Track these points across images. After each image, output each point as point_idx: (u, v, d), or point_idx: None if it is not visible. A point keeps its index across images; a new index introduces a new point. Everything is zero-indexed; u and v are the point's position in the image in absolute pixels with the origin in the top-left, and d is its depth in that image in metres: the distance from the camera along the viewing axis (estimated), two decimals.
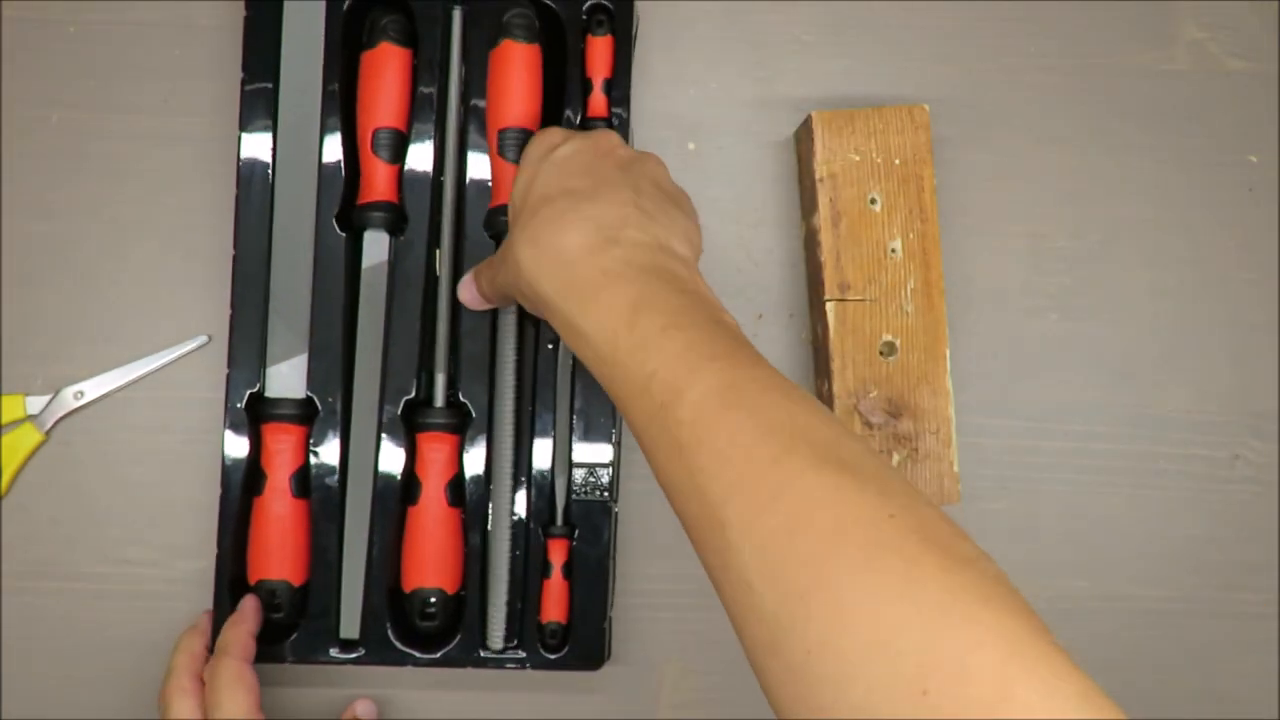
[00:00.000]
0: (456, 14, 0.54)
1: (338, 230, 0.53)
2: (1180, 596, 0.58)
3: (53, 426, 0.56)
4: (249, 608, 0.51)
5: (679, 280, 0.42)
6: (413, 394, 0.54)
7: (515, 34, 0.53)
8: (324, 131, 0.54)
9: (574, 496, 0.54)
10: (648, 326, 0.40)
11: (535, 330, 0.54)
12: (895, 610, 0.31)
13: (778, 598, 0.33)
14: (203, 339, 0.56)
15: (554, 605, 0.54)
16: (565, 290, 0.42)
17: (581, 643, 0.53)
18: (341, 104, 0.54)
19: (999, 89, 0.59)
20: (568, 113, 0.54)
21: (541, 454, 0.54)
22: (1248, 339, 0.59)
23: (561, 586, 0.54)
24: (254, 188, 0.53)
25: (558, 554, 0.54)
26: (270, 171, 0.53)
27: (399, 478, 0.53)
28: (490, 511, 0.54)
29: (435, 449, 0.53)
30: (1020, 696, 0.29)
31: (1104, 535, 0.58)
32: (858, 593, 0.32)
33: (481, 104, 0.54)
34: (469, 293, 0.51)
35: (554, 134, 0.48)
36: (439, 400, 0.54)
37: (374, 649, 0.53)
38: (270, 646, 0.52)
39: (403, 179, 0.54)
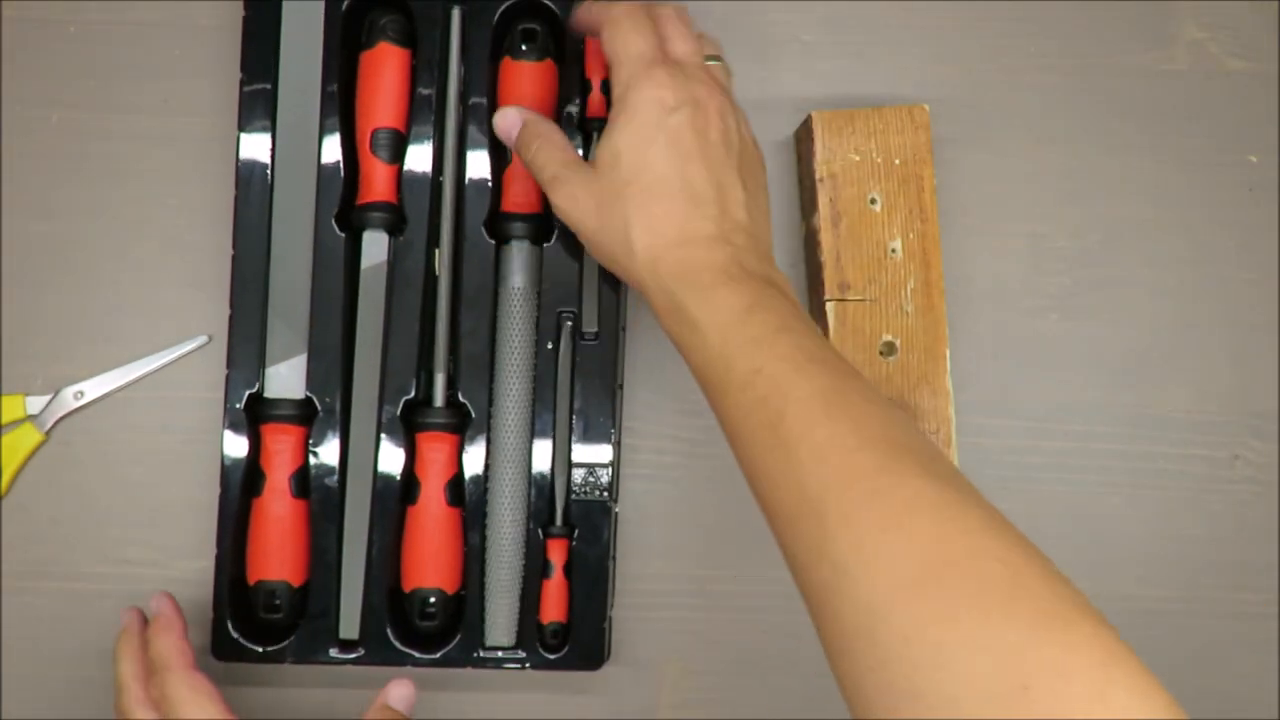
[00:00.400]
0: (456, 14, 0.54)
1: (337, 230, 0.53)
2: (1180, 596, 0.58)
3: (53, 426, 0.56)
4: (167, 611, 0.49)
5: (783, 288, 0.44)
6: (412, 394, 0.54)
7: (526, 54, 0.54)
8: (323, 132, 0.54)
9: (574, 496, 0.54)
10: (760, 326, 0.41)
11: (535, 330, 0.54)
12: (1000, 609, 0.33)
13: (875, 585, 0.34)
14: (203, 339, 0.56)
15: (554, 605, 0.54)
16: (679, 279, 0.43)
17: (581, 643, 0.53)
18: (340, 104, 0.54)
19: (999, 89, 0.59)
20: (569, 110, 0.54)
21: (541, 454, 0.54)
22: (1248, 339, 0.59)
23: (561, 586, 0.54)
24: (253, 188, 0.53)
25: (558, 554, 0.54)
26: (269, 172, 0.53)
27: (398, 478, 0.53)
28: (489, 511, 0.54)
29: (435, 449, 0.53)
30: (1118, 699, 0.32)
31: (1104, 535, 0.58)
32: (963, 588, 0.33)
33: (482, 102, 0.54)
34: (505, 125, 0.50)
35: (664, 84, 0.44)
36: (439, 400, 0.54)
37: (374, 649, 0.53)
38: (270, 647, 0.52)
39: (402, 179, 0.54)
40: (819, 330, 0.43)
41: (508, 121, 0.50)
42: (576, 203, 0.46)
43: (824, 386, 0.39)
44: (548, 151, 0.48)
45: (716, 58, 0.49)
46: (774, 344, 0.41)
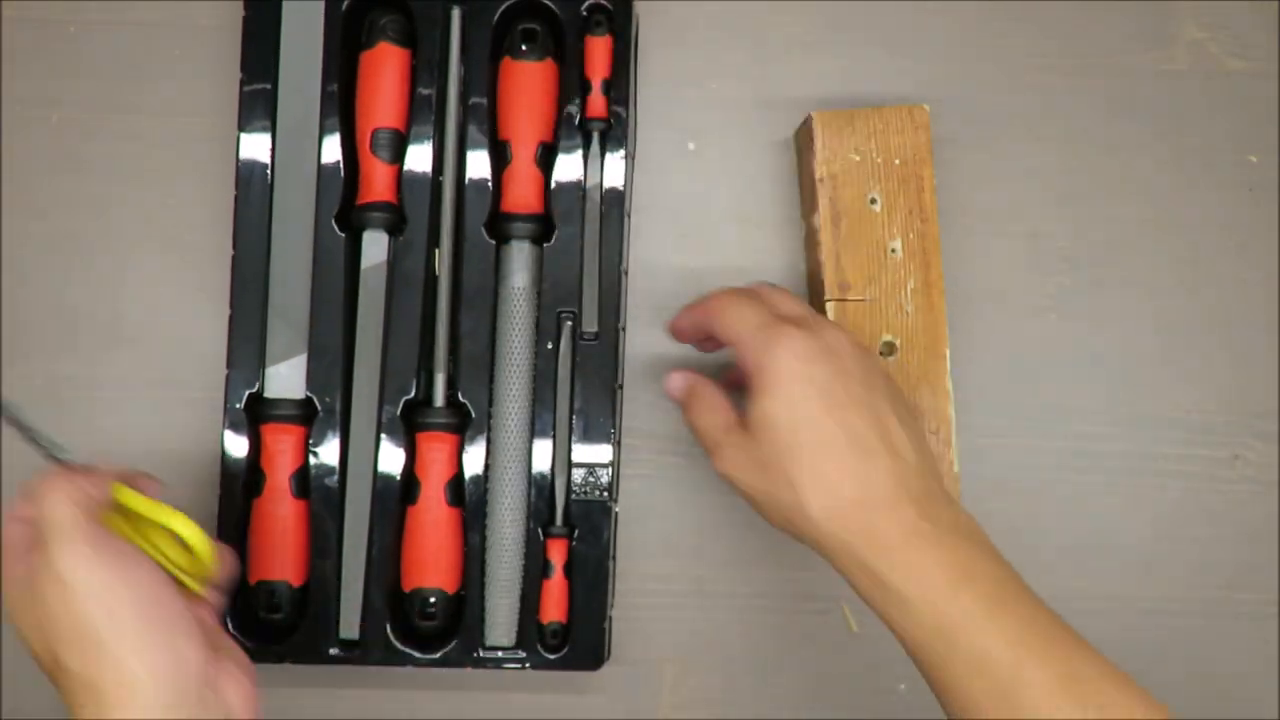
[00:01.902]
0: (456, 14, 0.54)
1: (337, 230, 0.53)
2: (1180, 596, 0.58)
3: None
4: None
5: (978, 538, 0.42)
6: (412, 394, 0.54)
7: (526, 54, 0.54)
8: (323, 132, 0.54)
9: (574, 496, 0.54)
10: (972, 598, 0.40)
11: (535, 330, 0.54)
12: None
13: None
14: None
15: (554, 605, 0.54)
16: (869, 544, 0.41)
17: (581, 643, 0.53)
18: (340, 104, 0.54)
19: (999, 89, 0.59)
20: (569, 109, 0.54)
21: (541, 454, 0.54)
22: (1248, 339, 0.59)
23: (561, 586, 0.54)
24: (253, 188, 0.53)
25: (558, 554, 0.54)
26: (269, 172, 0.53)
27: (399, 478, 0.53)
28: (489, 511, 0.54)
29: (435, 449, 0.54)
30: None
31: (1104, 535, 0.58)
32: None
33: (482, 103, 0.54)
34: (673, 389, 0.50)
35: (796, 340, 0.44)
36: (439, 400, 0.54)
37: (374, 649, 0.53)
38: (270, 646, 0.52)
39: (402, 179, 0.54)
40: (1027, 586, 0.41)
41: (675, 386, 0.50)
42: (741, 469, 0.45)
43: (1062, 673, 0.38)
44: (709, 417, 0.47)
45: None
46: (996, 620, 0.39)
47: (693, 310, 0.49)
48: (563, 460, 0.54)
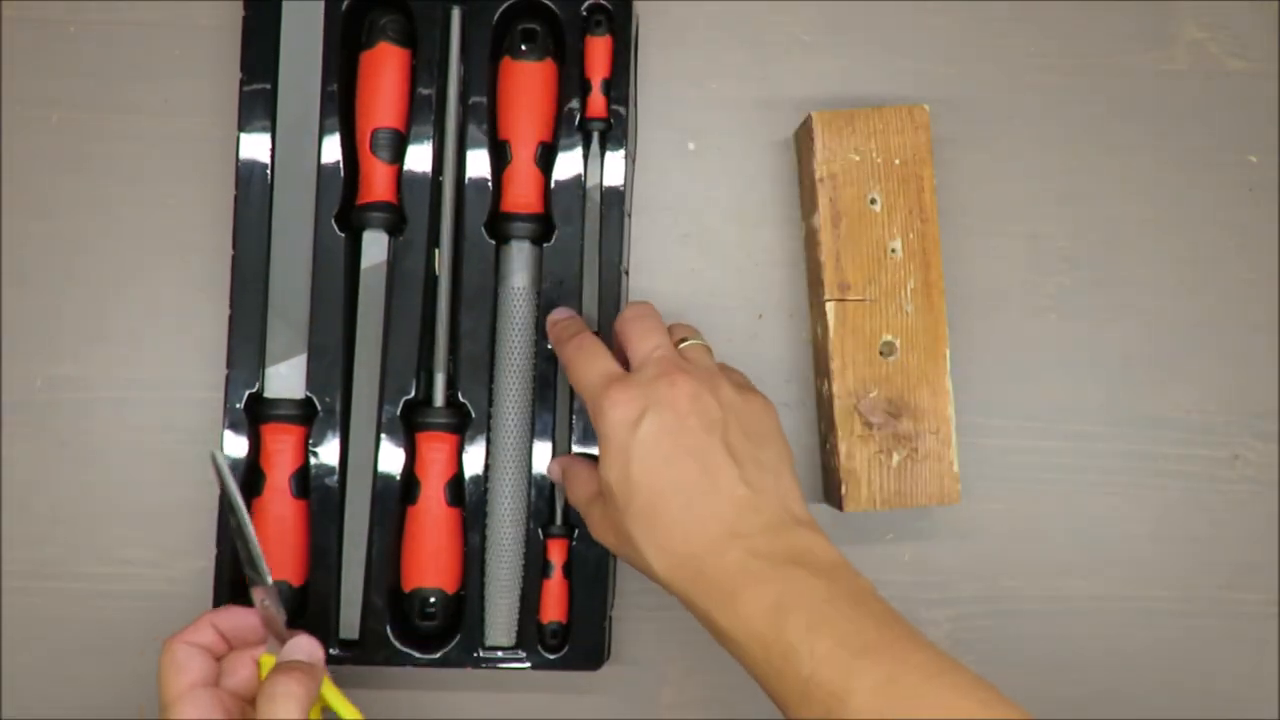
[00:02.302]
0: (456, 14, 0.54)
1: (337, 230, 0.53)
2: (1180, 596, 0.58)
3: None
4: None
5: (810, 557, 0.42)
6: (412, 394, 0.54)
7: (526, 54, 0.54)
8: (323, 132, 0.54)
9: None
10: (794, 628, 0.40)
11: (535, 330, 0.54)
12: None
13: None
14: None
15: (554, 605, 0.54)
16: (702, 593, 0.42)
17: (581, 643, 0.53)
18: (340, 104, 0.54)
19: (999, 89, 0.59)
20: (571, 105, 0.54)
21: (541, 454, 0.54)
22: (1248, 339, 0.59)
23: (561, 586, 0.54)
24: (253, 188, 0.53)
25: (558, 554, 0.54)
26: (269, 171, 0.53)
27: (398, 478, 0.53)
28: (489, 511, 0.54)
29: (435, 449, 0.54)
30: None
31: (1104, 535, 0.58)
32: None
33: (482, 102, 0.54)
34: (551, 473, 0.53)
35: (625, 399, 0.44)
36: (439, 400, 0.54)
37: (374, 649, 0.53)
38: None
39: (402, 179, 0.54)
40: (858, 592, 0.42)
41: (552, 471, 0.53)
42: (604, 533, 0.47)
43: (876, 683, 0.38)
44: (578, 490, 0.49)
45: (689, 339, 0.48)
46: (814, 644, 0.39)
47: (560, 342, 0.50)
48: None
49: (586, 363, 0.47)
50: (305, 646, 0.47)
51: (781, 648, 0.40)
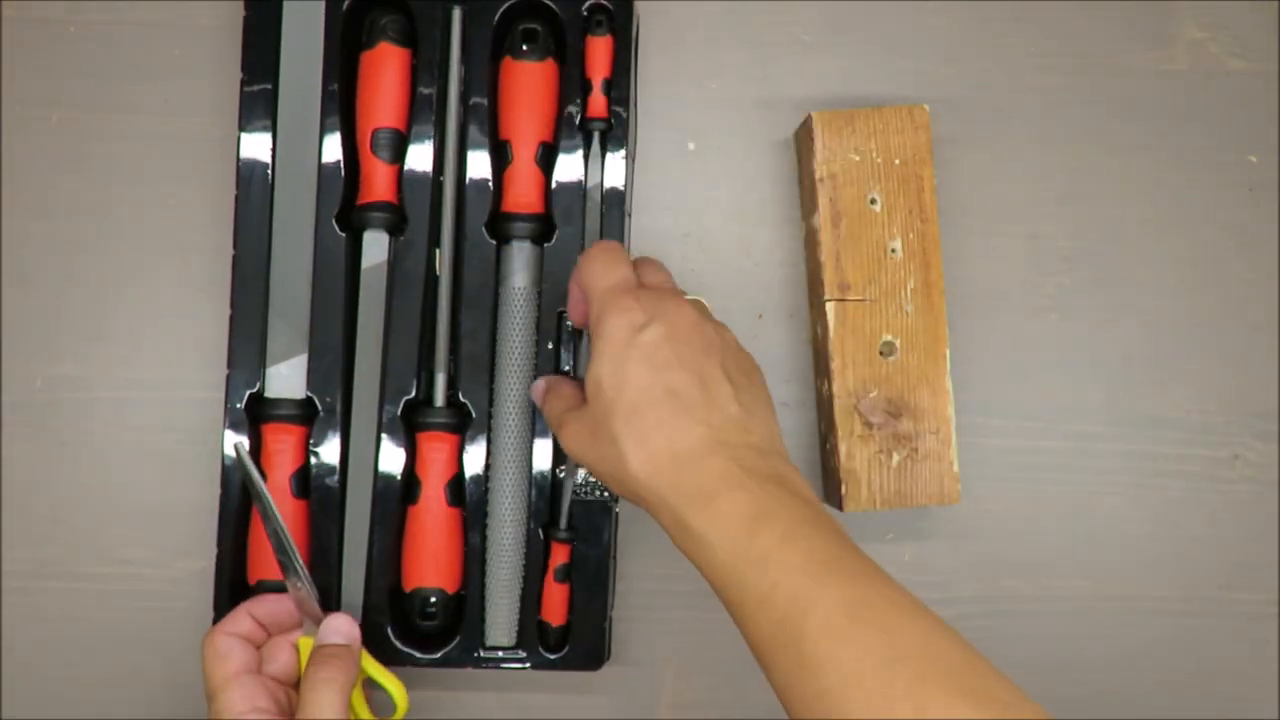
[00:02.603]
0: (456, 14, 0.54)
1: (337, 230, 0.53)
2: (1180, 596, 0.58)
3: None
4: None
5: (789, 483, 0.42)
6: (413, 394, 0.54)
7: (527, 54, 0.54)
8: (324, 132, 0.54)
9: (574, 497, 0.54)
10: (768, 536, 0.40)
11: (535, 330, 0.54)
12: None
13: None
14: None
15: (554, 605, 0.54)
16: (679, 493, 0.42)
17: (581, 643, 0.53)
18: (341, 104, 0.54)
19: (999, 89, 0.59)
20: (569, 109, 0.54)
21: (541, 454, 0.54)
22: (1248, 339, 0.59)
23: (561, 587, 0.54)
24: (254, 188, 0.53)
25: (558, 554, 0.54)
26: (270, 171, 0.53)
27: (399, 478, 0.53)
28: (490, 511, 0.54)
29: (435, 449, 0.54)
30: None
31: (1104, 535, 0.58)
32: None
33: (482, 102, 0.54)
34: (534, 394, 0.52)
35: (631, 308, 0.44)
36: (439, 400, 0.54)
37: (374, 649, 0.53)
38: None
39: (402, 179, 0.54)
40: (836, 526, 0.41)
41: (536, 389, 0.52)
42: (577, 438, 0.46)
43: (845, 597, 0.38)
44: (556, 404, 0.48)
45: (698, 301, 0.49)
46: (785, 554, 0.39)
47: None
48: (563, 460, 0.54)
49: (607, 266, 0.46)
50: (341, 628, 0.49)
51: (753, 554, 0.39)
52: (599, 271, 0.46)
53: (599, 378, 0.44)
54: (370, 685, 0.51)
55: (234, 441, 0.48)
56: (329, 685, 0.46)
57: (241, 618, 0.49)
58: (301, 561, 0.49)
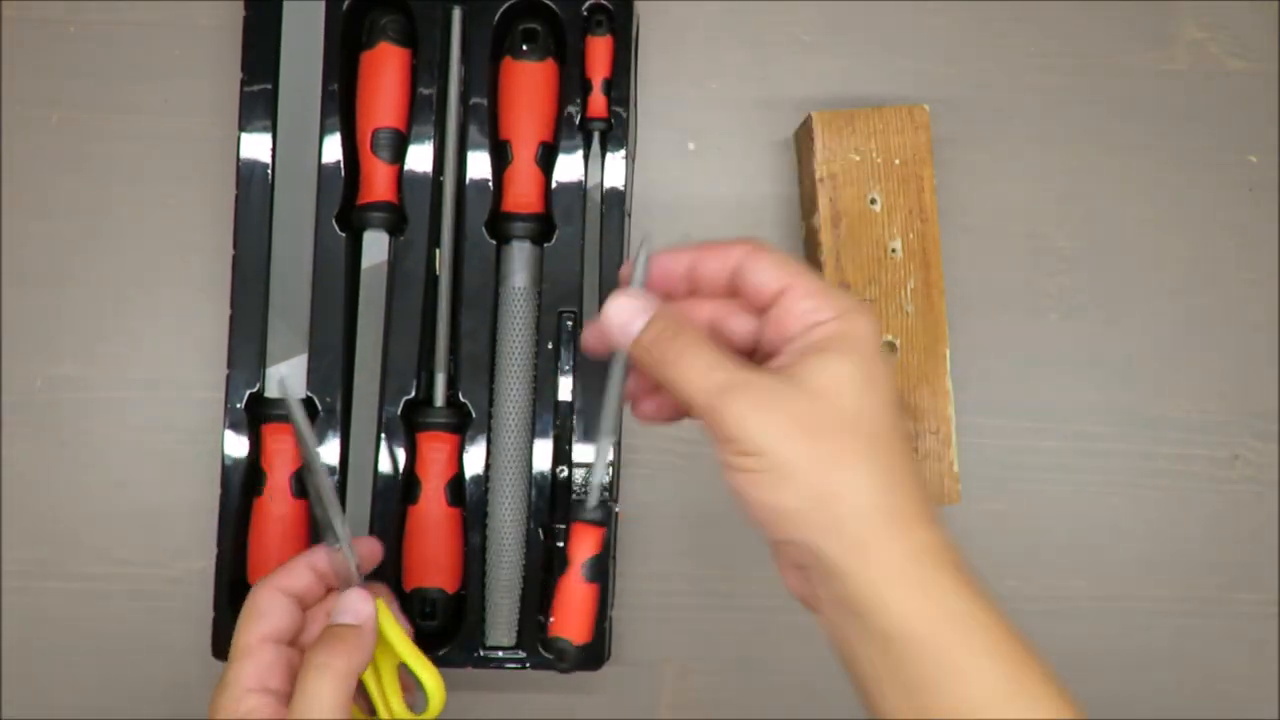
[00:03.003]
0: (456, 14, 0.54)
1: (338, 230, 0.53)
2: (1180, 596, 0.58)
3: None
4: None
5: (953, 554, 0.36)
6: (413, 394, 0.54)
7: (527, 54, 0.54)
8: (324, 132, 0.54)
9: (574, 496, 0.54)
10: (970, 646, 0.34)
11: (535, 330, 0.54)
12: None
13: None
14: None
15: (577, 613, 0.53)
16: (878, 556, 0.34)
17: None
18: (341, 104, 0.54)
19: (999, 89, 0.59)
20: (569, 110, 0.54)
21: (541, 454, 0.54)
22: (1248, 339, 0.59)
23: (589, 588, 0.53)
24: (254, 188, 0.53)
25: (582, 543, 0.53)
26: (270, 171, 0.53)
27: (399, 478, 0.53)
28: (490, 511, 0.54)
29: (435, 449, 0.54)
30: None
31: (1104, 535, 0.58)
32: None
33: (482, 103, 0.54)
34: (620, 318, 0.38)
35: (874, 319, 0.37)
36: (439, 400, 0.54)
37: None
38: None
39: (402, 179, 0.54)
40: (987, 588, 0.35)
41: (623, 314, 0.38)
42: (769, 420, 0.34)
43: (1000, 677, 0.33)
44: (705, 354, 0.36)
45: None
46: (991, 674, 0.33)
47: (702, 252, 0.39)
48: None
49: (831, 289, 0.38)
50: (353, 606, 0.43)
51: (951, 660, 0.34)
52: (812, 274, 0.38)
53: (847, 376, 0.35)
54: (407, 672, 0.46)
55: (278, 377, 0.41)
56: (324, 673, 0.40)
57: (300, 571, 0.44)
58: (343, 518, 0.43)
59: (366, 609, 0.43)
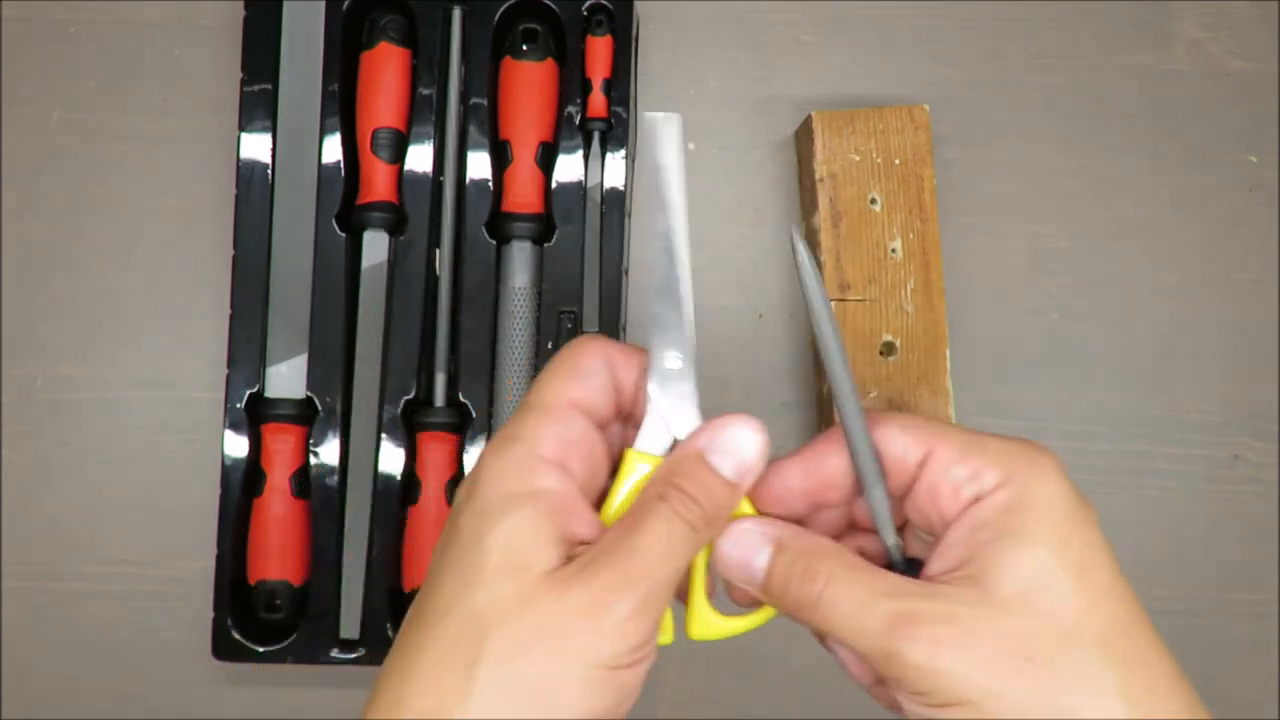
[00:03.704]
0: (456, 14, 0.54)
1: (338, 230, 0.53)
2: (1180, 596, 0.58)
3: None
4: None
5: None
6: (413, 394, 0.54)
7: (527, 54, 0.54)
8: (324, 132, 0.54)
9: None
10: None
11: (535, 330, 0.54)
12: None
13: None
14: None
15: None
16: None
17: None
18: (341, 104, 0.54)
19: (999, 89, 0.59)
20: (570, 109, 0.54)
21: None
22: (1248, 339, 0.59)
23: None
24: (254, 188, 0.53)
25: None
26: (270, 171, 0.53)
27: (399, 477, 0.53)
28: None
29: (435, 449, 0.54)
30: None
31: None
32: None
33: (482, 103, 0.54)
34: (742, 553, 0.32)
35: (1058, 463, 0.32)
36: (439, 400, 0.54)
37: (374, 649, 0.53)
38: (271, 647, 0.52)
39: (402, 179, 0.54)
40: None
41: (738, 551, 0.31)
42: (967, 659, 0.27)
43: None
44: (857, 583, 0.29)
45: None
46: None
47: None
48: None
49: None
50: (737, 445, 0.30)
51: None
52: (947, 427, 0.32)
53: (1052, 568, 0.29)
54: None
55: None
56: (675, 522, 0.29)
57: (629, 351, 0.32)
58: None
59: (753, 462, 0.30)
